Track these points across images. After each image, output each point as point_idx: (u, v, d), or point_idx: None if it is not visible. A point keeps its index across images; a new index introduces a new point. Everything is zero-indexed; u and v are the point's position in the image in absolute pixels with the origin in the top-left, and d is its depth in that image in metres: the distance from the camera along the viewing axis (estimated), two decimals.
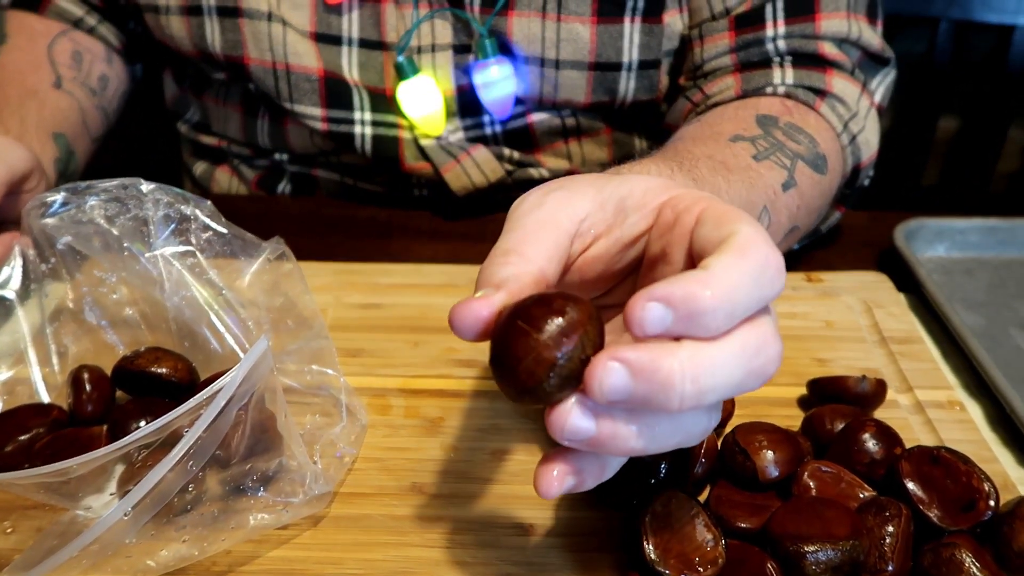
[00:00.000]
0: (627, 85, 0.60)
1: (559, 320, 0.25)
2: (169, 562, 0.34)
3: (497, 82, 0.60)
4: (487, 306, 0.27)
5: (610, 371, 0.25)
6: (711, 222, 0.28)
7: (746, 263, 0.26)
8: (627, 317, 0.25)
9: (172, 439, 0.32)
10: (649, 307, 0.25)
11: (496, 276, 0.28)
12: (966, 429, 0.43)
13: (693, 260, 0.28)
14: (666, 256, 0.30)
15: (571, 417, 0.26)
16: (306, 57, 0.60)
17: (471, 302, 0.27)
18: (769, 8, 0.55)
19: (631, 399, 0.25)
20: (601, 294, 0.33)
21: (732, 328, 0.26)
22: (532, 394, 0.26)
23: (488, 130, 0.64)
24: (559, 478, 0.28)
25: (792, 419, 0.42)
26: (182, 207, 0.41)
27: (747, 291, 0.26)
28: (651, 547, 0.33)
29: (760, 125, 0.49)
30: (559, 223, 0.30)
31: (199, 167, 0.73)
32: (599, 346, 0.26)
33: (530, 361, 0.25)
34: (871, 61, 0.58)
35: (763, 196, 0.45)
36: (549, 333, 0.25)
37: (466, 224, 0.63)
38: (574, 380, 0.26)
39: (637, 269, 0.32)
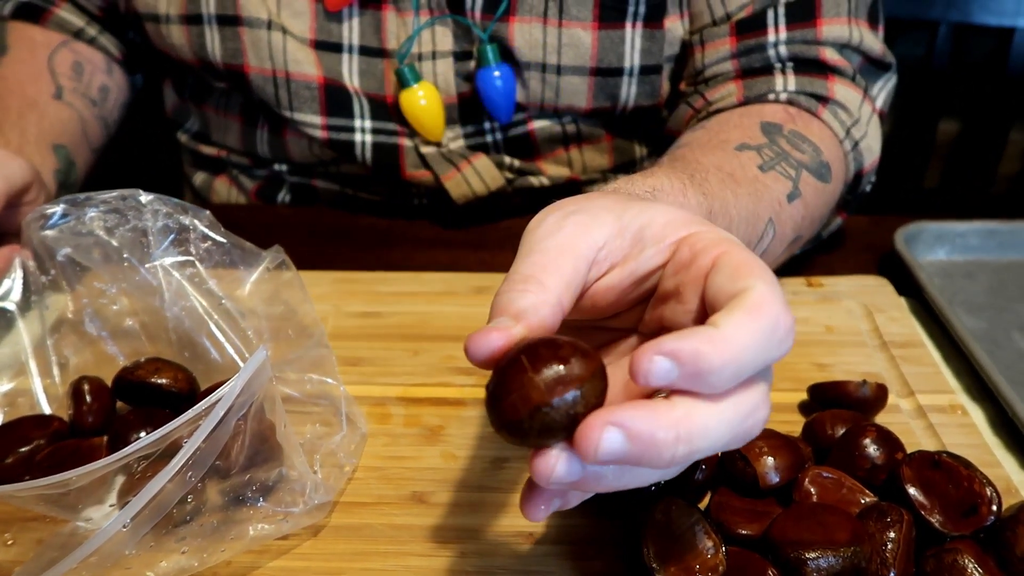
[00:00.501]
0: (629, 91, 0.60)
1: (560, 368, 0.25)
2: (169, 573, 0.34)
3: (498, 88, 0.60)
4: (504, 337, 0.27)
5: (608, 437, 0.24)
6: (727, 271, 0.28)
7: (757, 324, 0.26)
8: (633, 367, 0.25)
9: (171, 450, 0.32)
10: (656, 360, 0.25)
11: (515, 305, 0.28)
12: (968, 433, 0.43)
13: (705, 305, 0.28)
14: (679, 295, 0.29)
15: (558, 468, 0.26)
16: (306, 65, 0.60)
17: (489, 332, 0.27)
18: (771, 13, 0.55)
19: (624, 460, 0.25)
20: (609, 317, 0.33)
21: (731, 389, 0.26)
22: (510, 430, 0.25)
23: (489, 137, 0.64)
24: (545, 500, 0.28)
25: (793, 424, 0.42)
26: (181, 217, 0.41)
27: (755, 352, 0.26)
28: (651, 555, 0.33)
29: (765, 133, 0.49)
30: (578, 250, 0.29)
31: (199, 177, 0.73)
32: (595, 406, 0.26)
33: (516, 397, 0.25)
34: (872, 66, 0.58)
35: (769, 208, 0.45)
36: (546, 377, 0.25)
37: (466, 232, 0.63)
38: (559, 431, 0.25)
39: (647, 299, 0.32)
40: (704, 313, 0.28)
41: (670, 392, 0.26)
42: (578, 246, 0.29)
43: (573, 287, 0.29)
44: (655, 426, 0.25)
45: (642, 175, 0.40)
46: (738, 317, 0.26)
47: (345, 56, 0.60)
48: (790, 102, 0.53)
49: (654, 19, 0.58)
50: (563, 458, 0.26)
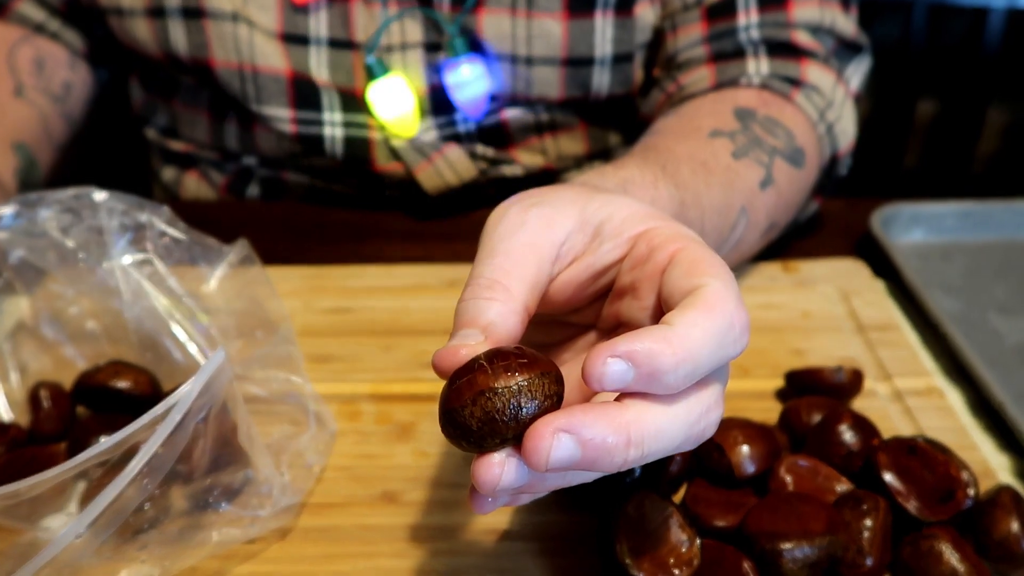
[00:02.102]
0: (601, 80, 0.59)
1: (522, 378, 0.24)
2: None
3: (469, 82, 0.59)
4: (472, 354, 0.26)
5: (559, 445, 0.24)
6: (682, 268, 0.27)
7: (711, 322, 0.25)
8: (586, 371, 0.24)
9: (130, 455, 0.31)
10: (610, 363, 0.24)
11: (482, 317, 0.27)
12: (945, 416, 0.42)
13: (661, 301, 0.28)
14: (635, 291, 0.29)
15: (504, 477, 0.25)
16: (273, 58, 0.59)
17: (457, 349, 0.26)
18: None
19: (575, 466, 0.24)
20: (566, 313, 0.33)
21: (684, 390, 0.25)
22: (453, 421, 0.25)
23: (461, 128, 0.63)
24: (492, 499, 0.27)
25: (770, 412, 0.42)
26: (138, 214, 0.40)
27: (710, 351, 0.25)
28: (625, 550, 0.32)
29: (738, 119, 0.49)
30: (542, 250, 0.29)
31: (167, 173, 0.72)
32: (548, 410, 0.25)
33: (464, 383, 0.24)
34: (845, 49, 0.57)
35: (741, 197, 0.45)
36: (507, 383, 0.24)
37: (439, 224, 0.62)
38: (500, 427, 0.24)
39: (606, 294, 0.31)
40: (660, 310, 0.28)
41: (621, 393, 0.25)
42: (541, 244, 0.29)
43: (538, 289, 0.28)
44: (606, 431, 0.24)
45: (613, 166, 0.39)
46: (693, 315, 0.25)
47: (313, 49, 0.59)
48: (763, 86, 0.52)
49: (624, 7, 0.57)
50: (509, 465, 0.25)
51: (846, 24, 0.56)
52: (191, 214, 0.43)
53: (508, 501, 0.28)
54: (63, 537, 0.29)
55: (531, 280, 0.28)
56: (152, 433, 0.30)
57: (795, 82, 0.53)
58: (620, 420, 0.24)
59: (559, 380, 0.26)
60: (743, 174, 0.45)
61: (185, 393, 0.31)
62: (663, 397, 0.25)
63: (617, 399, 0.25)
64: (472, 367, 0.25)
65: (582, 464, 0.24)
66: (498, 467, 0.25)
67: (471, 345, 0.26)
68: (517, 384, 0.24)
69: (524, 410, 0.24)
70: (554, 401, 0.25)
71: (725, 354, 0.26)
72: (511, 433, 0.25)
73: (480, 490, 0.25)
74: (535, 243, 0.29)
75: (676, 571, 0.32)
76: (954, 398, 0.44)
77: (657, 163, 0.41)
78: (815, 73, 0.53)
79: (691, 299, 0.26)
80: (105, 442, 0.31)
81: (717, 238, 0.43)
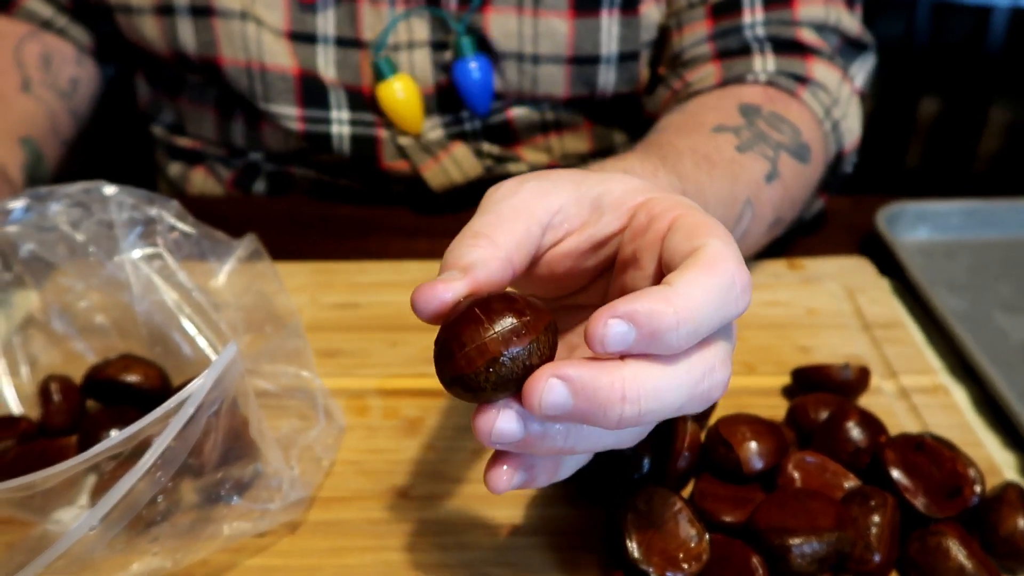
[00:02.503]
0: (607, 78, 0.60)
1: (515, 320, 0.25)
2: (141, 575, 0.33)
3: (476, 80, 0.59)
4: (450, 290, 0.26)
5: (551, 388, 0.24)
6: (682, 232, 0.27)
7: (712, 280, 0.25)
8: (588, 333, 0.25)
9: (141, 449, 0.31)
10: (611, 324, 0.24)
11: (463, 259, 0.27)
12: (951, 414, 0.43)
13: (662, 267, 0.28)
14: (637, 261, 0.29)
15: (498, 421, 0.25)
16: (281, 56, 0.59)
17: (435, 284, 0.26)
18: None
19: (569, 416, 0.25)
20: (574, 292, 0.33)
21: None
22: (464, 384, 0.25)
23: (467, 126, 0.63)
24: (508, 473, 0.27)
25: (777, 409, 0.42)
26: (147, 209, 0.40)
27: (712, 309, 0.25)
28: (634, 545, 0.32)
29: (743, 115, 0.49)
30: (532, 212, 0.29)
31: (174, 168, 0.72)
32: (548, 359, 0.25)
33: (473, 349, 0.25)
34: (850, 47, 0.57)
35: (746, 189, 0.45)
36: (502, 328, 0.25)
37: (445, 220, 0.62)
38: (512, 383, 0.25)
39: (610, 270, 0.31)
40: (662, 277, 0.28)
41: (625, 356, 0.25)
42: (532, 208, 0.29)
43: (524, 247, 0.29)
44: (599, 381, 0.24)
45: (614, 160, 0.39)
46: (693, 274, 0.25)
47: (320, 47, 0.59)
48: (769, 83, 0.52)
49: (630, 6, 0.57)
50: (505, 413, 0.25)
51: (851, 22, 0.56)
52: (198, 210, 0.43)
53: (525, 479, 0.28)
54: (76, 530, 0.29)
55: (517, 237, 0.28)
56: (165, 426, 0.31)
57: (801, 79, 0.53)
58: (616, 374, 0.24)
59: (555, 329, 0.26)
60: (748, 167, 0.45)
61: (198, 387, 0.31)
62: (663, 356, 0.25)
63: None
64: (474, 327, 0.25)
65: (576, 413, 0.24)
66: (494, 414, 0.25)
67: (450, 280, 0.26)
68: (527, 348, 0.25)
69: (531, 366, 0.25)
70: (552, 348, 0.26)
71: (727, 312, 0.26)
72: (516, 388, 0.25)
73: (479, 437, 0.26)
74: (526, 206, 0.29)
75: (685, 566, 0.32)
76: (959, 395, 0.45)
77: (658, 155, 0.41)
78: (821, 71, 0.53)
79: (692, 259, 0.26)
80: (118, 435, 0.31)
81: None
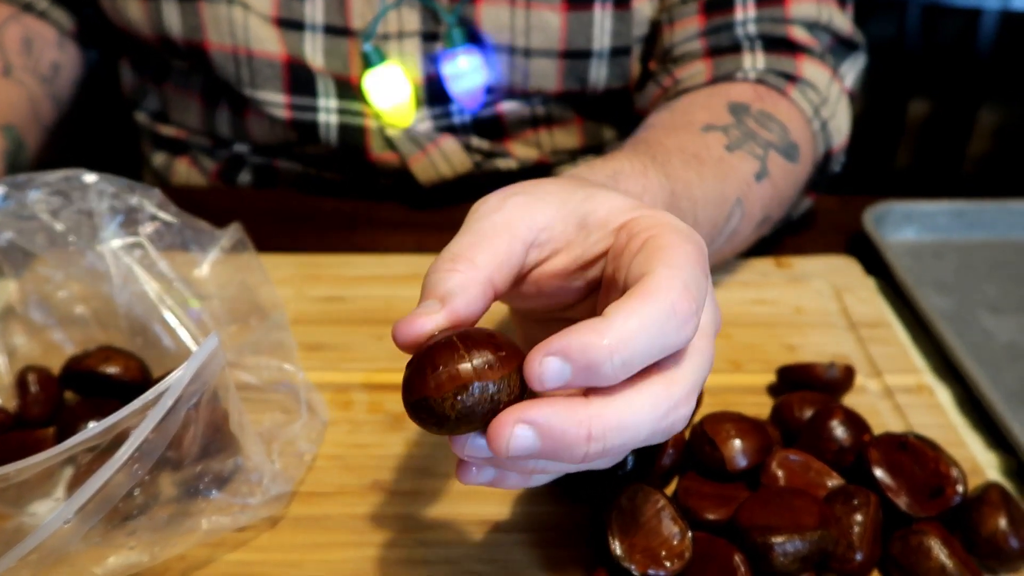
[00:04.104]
0: (598, 73, 0.59)
1: (491, 355, 0.25)
2: (117, 569, 0.33)
3: (466, 73, 0.58)
4: (430, 322, 0.26)
5: (519, 434, 0.25)
6: (644, 256, 0.27)
7: (647, 310, 0.25)
8: (526, 372, 0.25)
9: (119, 441, 0.31)
10: (546, 363, 0.25)
11: (441, 287, 0.27)
12: (935, 413, 0.43)
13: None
14: (615, 282, 0.29)
15: (469, 444, 0.26)
16: (268, 42, 0.59)
17: (415, 317, 0.26)
18: None
19: (537, 455, 0.25)
20: (565, 306, 0.33)
21: (644, 383, 0.26)
22: (429, 409, 0.25)
23: (457, 119, 0.63)
24: (477, 470, 0.28)
25: (762, 407, 0.42)
26: (128, 197, 0.39)
27: (647, 339, 0.25)
28: (616, 542, 0.32)
29: (732, 113, 0.49)
30: (515, 229, 0.29)
31: (158, 158, 0.71)
32: (517, 399, 0.25)
33: (444, 373, 0.25)
34: (841, 46, 0.57)
35: (736, 189, 0.45)
36: (477, 360, 0.25)
37: (432, 214, 0.62)
38: (477, 418, 0.25)
39: (599, 287, 0.31)
40: None
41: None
42: (516, 225, 0.29)
43: (507, 266, 0.28)
44: (566, 424, 0.24)
45: (603, 159, 0.39)
46: (630, 304, 0.25)
47: (308, 34, 0.59)
48: (759, 81, 0.52)
49: (623, 0, 0.57)
50: (481, 446, 0.26)
51: (843, 21, 0.56)
52: (181, 201, 0.43)
53: (493, 479, 0.28)
54: (51, 522, 0.29)
55: (500, 257, 0.28)
56: (143, 418, 0.30)
57: (791, 78, 0.53)
58: (581, 414, 0.25)
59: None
60: (737, 166, 0.45)
61: (177, 378, 0.30)
62: (627, 391, 0.25)
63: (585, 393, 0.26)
64: (450, 353, 0.25)
65: (544, 454, 0.25)
66: (471, 447, 0.26)
67: (428, 315, 0.26)
68: (496, 383, 0.25)
69: (500, 404, 0.25)
70: (524, 392, 0.26)
71: (666, 343, 0.26)
72: (484, 423, 0.25)
73: (455, 451, 0.26)
74: (509, 223, 0.29)
75: (668, 563, 0.32)
76: (944, 396, 0.45)
77: (647, 154, 0.40)
78: (811, 69, 0.53)
79: (634, 288, 0.26)
80: (95, 427, 0.30)
81: (711, 229, 0.43)
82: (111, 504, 0.31)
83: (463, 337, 0.25)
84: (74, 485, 0.35)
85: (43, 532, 0.29)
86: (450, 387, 0.25)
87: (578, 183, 0.32)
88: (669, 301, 0.25)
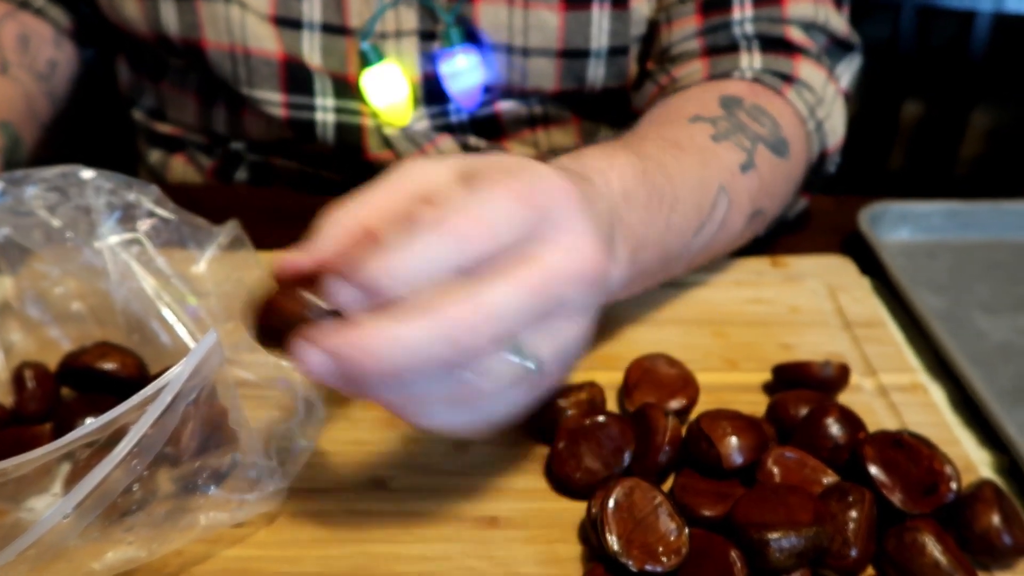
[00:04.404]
0: (596, 72, 0.59)
1: (315, 297, 0.29)
2: (115, 564, 0.33)
3: (463, 72, 0.58)
4: (299, 257, 0.30)
5: (310, 354, 0.28)
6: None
7: (421, 228, 0.28)
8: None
9: (117, 437, 0.31)
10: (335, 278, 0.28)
11: (321, 230, 0.31)
12: (929, 412, 0.43)
13: None
14: None
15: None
16: (265, 41, 0.59)
17: (290, 253, 0.31)
18: None
19: (334, 372, 0.28)
20: None
21: (438, 306, 0.28)
22: (251, 320, 0.30)
23: (454, 118, 0.63)
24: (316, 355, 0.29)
25: (758, 405, 0.42)
26: (126, 194, 0.39)
27: (420, 257, 0.28)
28: (614, 538, 0.32)
29: (723, 106, 0.49)
30: (399, 183, 0.32)
31: (154, 155, 0.71)
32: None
33: (272, 301, 0.30)
34: (837, 47, 0.57)
35: (719, 176, 0.45)
36: (302, 296, 0.29)
37: None
38: (279, 337, 0.30)
39: None
40: None
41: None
42: (402, 180, 0.32)
43: (386, 215, 0.31)
44: (346, 346, 0.28)
45: (576, 152, 0.40)
46: (413, 228, 0.29)
47: (306, 33, 0.59)
48: (755, 80, 0.52)
49: (620, 0, 0.57)
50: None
51: (839, 22, 0.57)
52: (178, 198, 0.43)
53: (330, 370, 0.30)
54: (49, 518, 0.28)
55: (377, 205, 0.31)
56: (142, 414, 0.30)
57: (787, 78, 0.53)
58: (360, 330, 0.28)
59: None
60: (721, 155, 0.46)
61: (176, 374, 0.30)
62: (411, 313, 0.28)
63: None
64: (291, 289, 0.30)
65: (342, 373, 0.28)
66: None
67: (295, 255, 0.31)
68: (302, 308, 0.29)
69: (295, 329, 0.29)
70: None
71: (440, 253, 0.28)
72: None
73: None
74: (397, 179, 0.32)
75: (664, 559, 0.32)
76: (937, 394, 0.45)
77: (621, 143, 0.41)
78: (807, 70, 0.54)
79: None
80: (94, 422, 0.30)
81: (697, 212, 0.43)
82: (109, 499, 0.31)
83: (304, 282, 0.30)
84: (71, 480, 0.35)
85: (41, 527, 0.29)
86: (263, 310, 0.30)
87: (501, 154, 0.35)
88: (447, 221, 0.28)
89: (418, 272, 0.28)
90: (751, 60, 0.54)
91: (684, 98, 0.51)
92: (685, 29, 0.56)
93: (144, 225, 0.40)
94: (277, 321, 0.29)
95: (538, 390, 0.32)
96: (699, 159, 0.44)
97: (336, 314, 0.29)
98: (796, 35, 0.54)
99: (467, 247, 0.28)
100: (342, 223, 0.31)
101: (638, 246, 0.39)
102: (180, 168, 0.70)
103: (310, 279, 0.29)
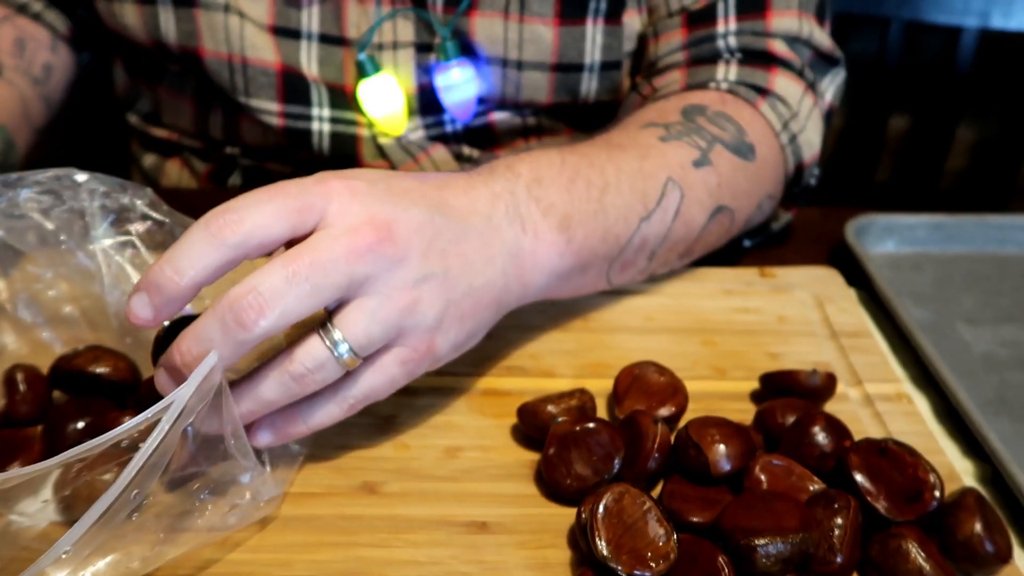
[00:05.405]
0: (589, 86, 0.60)
1: None
2: (107, 573, 0.32)
3: (459, 84, 0.59)
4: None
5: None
6: None
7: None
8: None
9: (112, 448, 0.31)
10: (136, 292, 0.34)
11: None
12: (913, 421, 0.44)
13: None
14: None
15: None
16: (263, 50, 0.59)
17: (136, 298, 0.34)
18: (721, 5, 0.55)
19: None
20: None
21: None
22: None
23: (448, 128, 0.63)
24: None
25: (745, 413, 0.43)
26: (120, 196, 0.39)
27: (193, 251, 0.33)
28: (603, 543, 0.32)
29: (683, 113, 0.50)
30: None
31: (148, 159, 0.71)
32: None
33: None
34: (822, 61, 0.58)
35: (665, 169, 0.46)
36: None
37: None
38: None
39: None
40: None
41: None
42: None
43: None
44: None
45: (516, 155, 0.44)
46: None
47: (304, 43, 0.59)
48: (729, 91, 0.53)
49: (613, 15, 0.58)
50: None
51: (822, 37, 0.58)
52: (172, 202, 0.43)
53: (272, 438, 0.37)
54: (49, 555, 0.29)
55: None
56: (140, 436, 0.30)
57: (761, 90, 0.54)
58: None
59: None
60: (667, 151, 0.47)
61: (178, 399, 0.30)
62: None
63: None
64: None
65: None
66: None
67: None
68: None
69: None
70: None
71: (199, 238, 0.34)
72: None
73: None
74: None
75: (653, 564, 0.32)
76: (922, 404, 0.46)
77: (550, 145, 0.45)
78: (783, 83, 0.54)
79: None
80: (90, 443, 0.30)
81: (642, 198, 0.45)
82: (108, 528, 0.30)
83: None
84: (62, 486, 0.35)
85: (40, 565, 0.29)
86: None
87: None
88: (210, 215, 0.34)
89: (193, 262, 0.33)
90: (727, 72, 0.54)
91: (650, 108, 0.52)
92: (671, 42, 0.57)
93: (138, 228, 0.40)
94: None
95: (406, 370, 0.37)
96: (637, 153, 0.46)
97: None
98: (780, 49, 0.55)
99: (217, 230, 0.34)
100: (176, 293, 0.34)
101: (565, 221, 0.42)
102: (175, 172, 0.70)
103: None
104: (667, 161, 0.47)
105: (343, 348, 0.35)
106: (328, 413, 0.37)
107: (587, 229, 0.43)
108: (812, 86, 0.56)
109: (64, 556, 0.29)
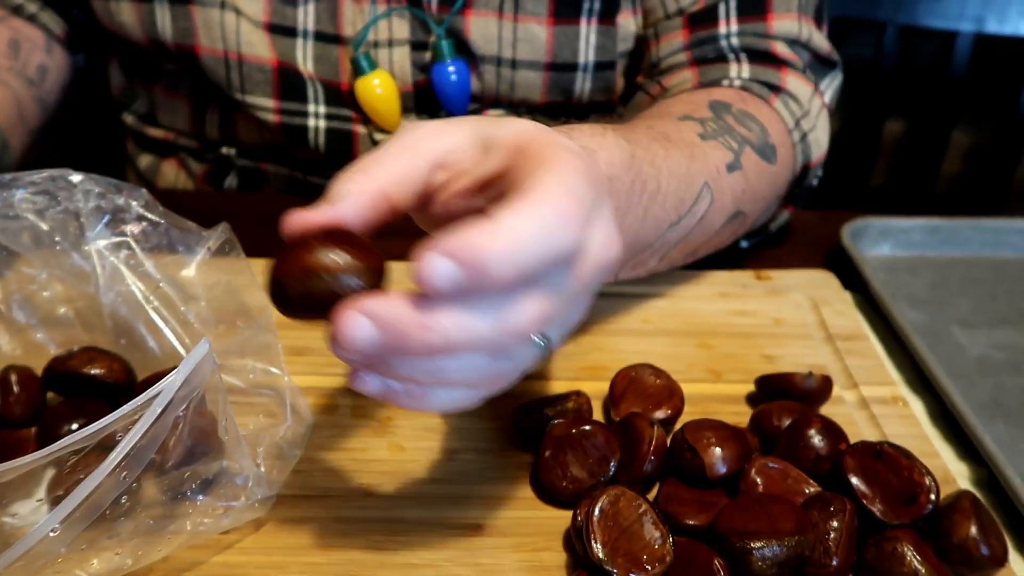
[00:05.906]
0: (583, 85, 0.60)
1: (343, 251, 0.27)
2: (101, 572, 0.32)
3: (453, 82, 0.59)
4: (317, 215, 0.28)
5: (353, 324, 0.26)
6: (531, 165, 0.28)
7: (534, 210, 0.26)
8: (415, 274, 0.25)
9: (105, 443, 0.31)
10: (435, 263, 0.25)
11: (335, 191, 0.29)
12: (908, 424, 0.44)
13: None
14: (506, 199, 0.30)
15: (352, 340, 0.27)
16: (259, 47, 0.59)
17: (300, 212, 0.28)
18: (722, 7, 0.56)
19: (379, 348, 0.26)
20: None
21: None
22: (276, 287, 0.27)
23: None
24: (364, 374, 0.29)
25: (741, 416, 0.43)
26: (115, 197, 0.39)
27: (537, 240, 0.25)
28: (599, 546, 0.32)
29: (712, 109, 0.50)
30: (419, 149, 0.30)
31: (144, 160, 0.71)
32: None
33: (295, 260, 0.27)
34: (820, 63, 0.59)
35: (705, 172, 0.45)
36: (331, 254, 0.27)
37: None
38: (319, 307, 0.27)
39: None
40: None
41: None
42: (420, 145, 0.30)
43: (406, 182, 0.30)
44: (399, 313, 0.26)
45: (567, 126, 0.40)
46: (516, 205, 0.26)
47: (299, 41, 0.59)
48: (743, 88, 0.53)
49: (608, 15, 0.58)
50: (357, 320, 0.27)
51: (821, 40, 0.58)
52: (168, 204, 0.43)
53: (381, 389, 0.29)
54: (37, 531, 0.28)
55: (397, 172, 0.30)
56: (132, 425, 0.30)
57: (775, 88, 0.54)
58: (417, 305, 0.26)
59: (379, 272, 0.27)
60: (708, 152, 0.46)
61: (168, 384, 0.30)
62: (468, 295, 0.26)
63: None
64: (307, 244, 0.27)
65: (384, 345, 0.26)
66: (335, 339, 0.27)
67: (312, 211, 0.28)
68: (344, 276, 0.26)
69: (339, 296, 0.26)
70: (370, 290, 0.27)
71: (554, 244, 0.26)
72: (326, 312, 0.26)
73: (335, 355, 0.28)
74: (415, 143, 0.30)
75: (649, 567, 0.32)
76: (917, 407, 0.46)
77: (610, 126, 0.41)
78: (794, 82, 0.55)
79: (519, 192, 0.26)
80: (81, 432, 0.30)
81: (678, 203, 0.44)
82: (98, 512, 0.30)
83: (328, 234, 0.27)
84: (56, 486, 0.35)
85: (29, 541, 0.28)
86: (298, 272, 0.26)
87: (507, 117, 0.33)
88: (552, 201, 0.26)
89: (537, 256, 0.26)
90: (739, 70, 0.55)
91: (674, 100, 0.52)
92: (673, 43, 0.57)
93: (133, 229, 0.40)
94: (317, 281, 0.26)
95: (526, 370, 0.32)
96: (687, 154, 0.44)
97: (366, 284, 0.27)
98: (781, 50, 0.55)
99: (571, 231, 0.26)
100: (361, 187, 0.29)
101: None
102: (171, 173, 0.70)
103: (330, 240, 0.27)
104: (707, 164, 0.46)
105: (546, 348, 0.31)
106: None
107: (622, 231, 0.41)
108: (815, 86, 0.56)
109: (53, 535, 0.29)
